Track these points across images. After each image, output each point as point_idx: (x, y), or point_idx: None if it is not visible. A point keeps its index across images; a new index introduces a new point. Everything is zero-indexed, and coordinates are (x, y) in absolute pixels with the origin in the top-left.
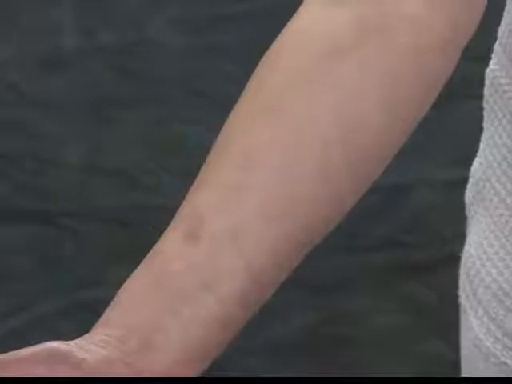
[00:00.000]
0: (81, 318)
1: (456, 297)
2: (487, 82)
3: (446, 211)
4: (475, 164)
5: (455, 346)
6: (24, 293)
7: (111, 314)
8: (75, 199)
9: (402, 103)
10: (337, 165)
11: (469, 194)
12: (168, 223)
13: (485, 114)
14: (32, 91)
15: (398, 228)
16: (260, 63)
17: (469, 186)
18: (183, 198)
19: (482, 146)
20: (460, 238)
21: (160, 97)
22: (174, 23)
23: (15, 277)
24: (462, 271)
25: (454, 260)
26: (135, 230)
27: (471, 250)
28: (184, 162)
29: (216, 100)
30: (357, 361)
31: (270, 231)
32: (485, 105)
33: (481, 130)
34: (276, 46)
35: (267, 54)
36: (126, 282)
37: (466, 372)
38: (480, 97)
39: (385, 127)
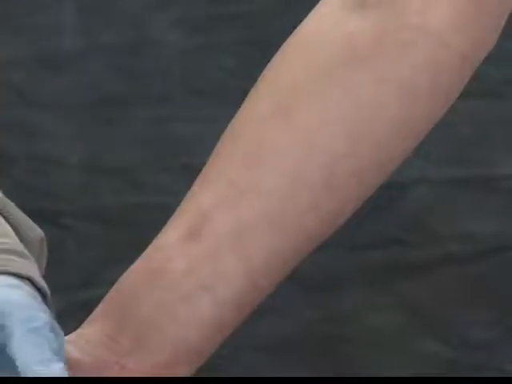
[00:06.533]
0: (81, 318)
1: (453, 296)
2: None
3: (443, 210)
4: None
5: (452, 345)
6: None
7: (106, 308)
8: (75, 199)
9: (413, 118)
10: (343, 176)
11: None
12: None
13: None
14: (32, 91)
15: (394, 227)
16: (273, 60)
17: None
18: (183, 197)
19: None
20: (457, 237)
21: (160, 96)
22: (175, 23)
23: None
24: None
25: (450, 259)
26: (135, 230)
27: None
28: (184, 162)
29: (216, 100)
30: (353, 359)
31: (273, 238)
32: None
33: (479, 128)
34: (291, 44)
35: (281, 50)
36: (123, 277)
37: None
38: (479, 96)
39: (394, 141)
